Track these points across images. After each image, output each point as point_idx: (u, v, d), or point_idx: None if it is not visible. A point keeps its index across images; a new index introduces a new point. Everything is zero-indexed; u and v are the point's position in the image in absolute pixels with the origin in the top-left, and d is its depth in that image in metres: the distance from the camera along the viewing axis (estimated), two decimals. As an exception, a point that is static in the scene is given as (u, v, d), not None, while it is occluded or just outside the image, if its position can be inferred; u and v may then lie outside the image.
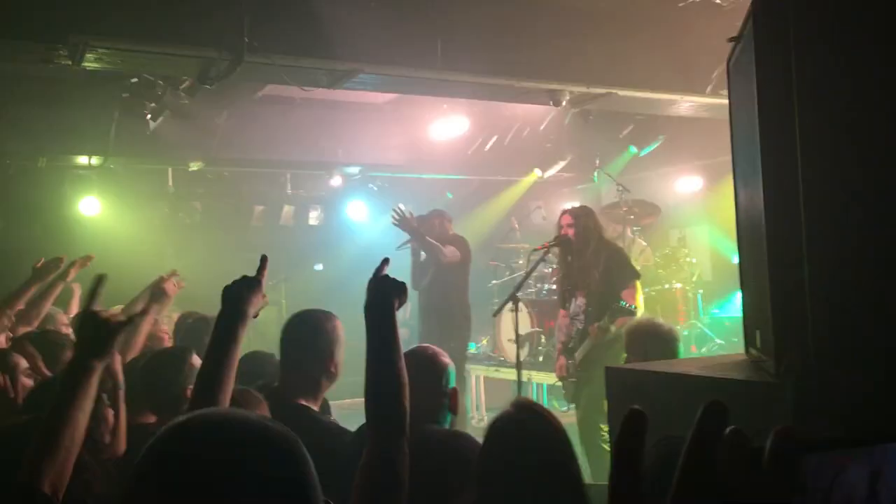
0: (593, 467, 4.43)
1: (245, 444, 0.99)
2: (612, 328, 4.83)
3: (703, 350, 7.28)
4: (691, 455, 0.71)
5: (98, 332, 1.81)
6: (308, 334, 2.61)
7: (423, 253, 6.43)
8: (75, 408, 1.76)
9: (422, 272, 6.39)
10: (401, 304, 1.77)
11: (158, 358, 2.93)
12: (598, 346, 4.91)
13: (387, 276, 1.82)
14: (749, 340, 2.24)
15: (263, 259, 2.03)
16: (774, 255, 1.79)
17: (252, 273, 2.03)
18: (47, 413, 1.77)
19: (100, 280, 1.89)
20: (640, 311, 5.29)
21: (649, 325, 3.65)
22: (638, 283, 5.23)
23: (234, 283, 1.95)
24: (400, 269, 6.32)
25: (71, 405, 1.75)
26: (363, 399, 1.72)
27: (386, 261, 1.84)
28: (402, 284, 1.79)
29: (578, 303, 5.18)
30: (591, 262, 5.09)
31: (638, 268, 7.38)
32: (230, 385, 1.82)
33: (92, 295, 1.87)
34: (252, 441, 0.99)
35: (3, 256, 4.57)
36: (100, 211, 7.90)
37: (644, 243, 8.10)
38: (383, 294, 1.74)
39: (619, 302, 4.84)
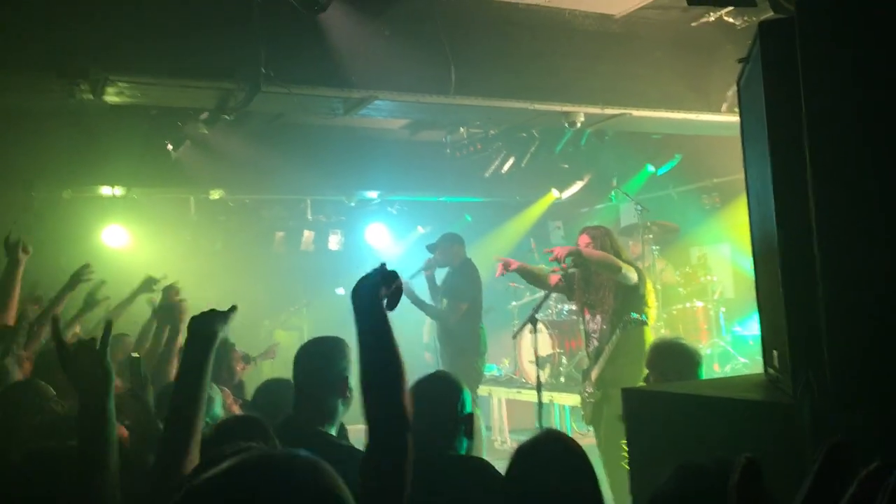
0: (615, 488, 4.38)
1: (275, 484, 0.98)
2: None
3: (727, 368, 7.19)
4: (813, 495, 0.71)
5: (96, 367, 1.85)
6: (320, 361, 2.63)
7: (436, 280, 6.46)
8: (101, 447, 1.80)
9: (439, 299, 6.43)
10: (391, 293, 1.67)
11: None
12: (613, 366, 4.89)
13: (376, 269, 1.74)
14: (767, 360, 2.22)
15: (232, 309, 1.98)
16: (788, 274, 1.78)
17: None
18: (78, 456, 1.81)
19: (109, 323, 1.95)
20: (654, 312, 5.27)
21: (674, 343, 3.63)
22: (650, 298, 5.18)
23: (203, 313, 1.93)
24: (419, 293, 6.34)
25: (96, 447, 1.80)
26: None
27: (383, 265, 1.77)
28: (391, 272, 1.70)
29: (596, 321, 5.17)
30: (606, 280, 5.08)
31: (658, 287, 7.37)
32: (202, 416, 1.83)
33: (104, 338, 1.91)
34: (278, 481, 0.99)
35: (29, 288, 4.66)
36: (124, 240, 8.01)
37: (665, 262, 8.05)
38: (367, 280, 1.67)
39: (631, 314, 4.83)
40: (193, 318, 1.92)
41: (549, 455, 1.87)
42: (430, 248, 6.50)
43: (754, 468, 0.92)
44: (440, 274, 6.50)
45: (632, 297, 5.03)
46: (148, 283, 4.84)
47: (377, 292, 1.64)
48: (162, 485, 1.69)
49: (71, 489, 1.78)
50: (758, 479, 0.93)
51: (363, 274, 1.69)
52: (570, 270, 5.25)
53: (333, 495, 1.02)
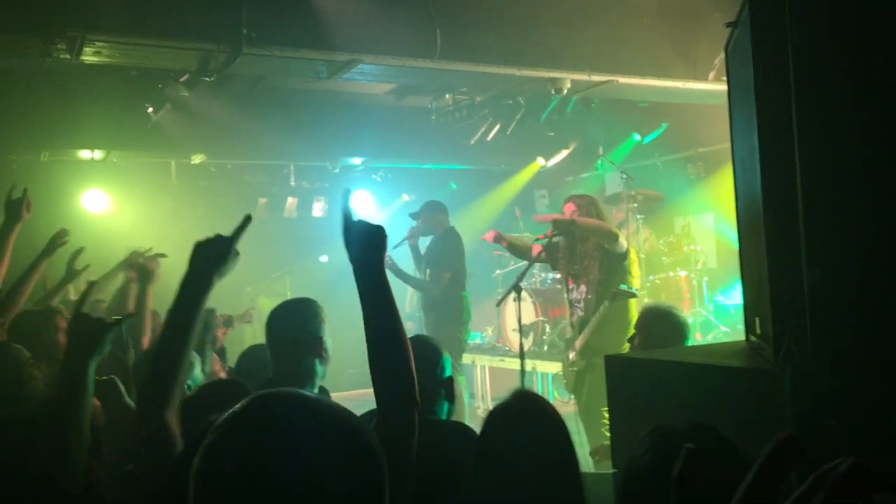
0: (596, 456, 4.43)
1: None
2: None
3: (709, 337, 7.26)
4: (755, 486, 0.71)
5: (90, 333, 1.83)
6: (292, 322, 2.60)
7: (420, 249, 6.43)
8: (76, 408, 1.78)
9: (423, 268, 6.41)
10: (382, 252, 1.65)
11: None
12: (599, 335, 4.91)
13: (363, 222, 1.68)
14: (749, 327, 2.23)
15: (246, 219, 1.86)
16: (772, 242, 1.78)
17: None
18: (50, 415, 1.79)
19: (91, 285, 1.91)
20: (637, 282, 5.31)
21: (666, 311, 3.65)
22: (634, 267, 5.20)
23: (204, 245, 1.79)
24: (402, 263, 6.32)
25: (71, 406, 1.78)
26: (366, 390, 1.66)
27: (347, 192, 1.70)
28: (379, 230, 1.65)
29: (580, 291, 5.18)
30: (592, 250, 5.08)
31: (642, 255, 7.39)
32: (188, 356, 1.75)
33: (83, 298, 1.88)
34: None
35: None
36: (104, 205, 7.92)
37: (648, 231, 8.07)
38: (368, 244, 1.62)
39: (619, 286, 4.85)
40: (196, 246, 1.78)
41: (520, 413, 1.87)
42: (413, 216, 6.46)
43: (696, 458, 0.92)
44: (423, 242, 6.47)
45: (617, 266, 5.04)
46: (133, 257, 4.77)
47: (382, 260, 1.61)
48: (142, 429, 1.65)
49: (41, 455, 1.77)
50: (699, 469, 0.93)
51: (347, 224, 1.65)
52: (555, 239, 5.24)
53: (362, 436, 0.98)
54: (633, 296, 4.97)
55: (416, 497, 1.50)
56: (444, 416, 2.37)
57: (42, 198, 7.49)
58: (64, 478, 1.77)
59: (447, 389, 2.37)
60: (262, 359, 3.33)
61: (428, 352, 2.41)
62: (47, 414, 1.84)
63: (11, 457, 1.82)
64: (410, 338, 2.42)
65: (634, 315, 5.03)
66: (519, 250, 5.76)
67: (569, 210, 5.23)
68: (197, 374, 2.93)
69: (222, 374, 3.69)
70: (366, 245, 1.64)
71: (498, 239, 5.50)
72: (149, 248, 4.33)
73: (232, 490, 0.89)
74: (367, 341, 1.58)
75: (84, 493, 1.84)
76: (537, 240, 5.44)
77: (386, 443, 1.37)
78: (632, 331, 3.93)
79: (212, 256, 1.77)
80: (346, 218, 1.67)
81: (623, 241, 5.03)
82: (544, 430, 1.83)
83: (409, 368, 1.56)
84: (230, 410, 0.96)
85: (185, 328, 1.70)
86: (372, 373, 1.57)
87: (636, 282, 5.21)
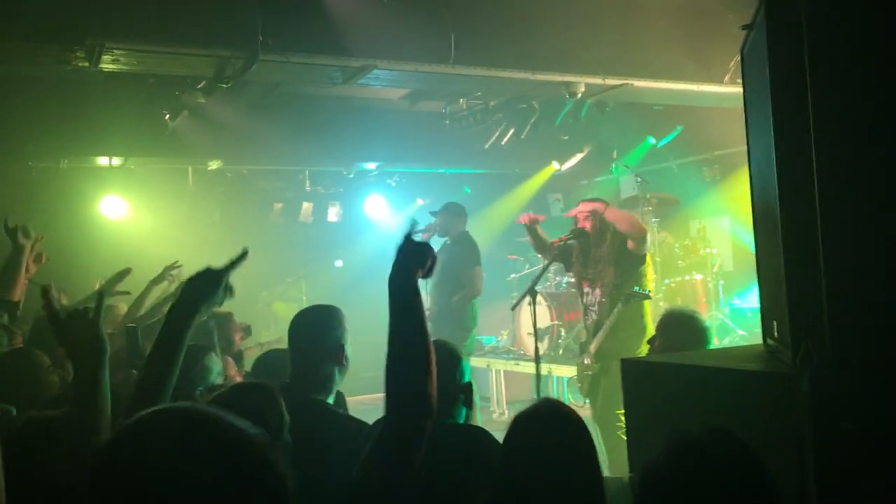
0: (612, 460, 4.41)
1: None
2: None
3: (725, 341, 7.22)
4: None
5: (91, 334, 1.84)
6: (315, 329, 2.62)
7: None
8: (90, 417, 1.79)
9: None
10: (426, 268, 1.64)
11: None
12: (613, 338, 4.90)
13: (410, 239, 1.69)
14: (766, 331, 2.22)
15: (243, 254, 1.93)
16: (789, 244, 1.77)
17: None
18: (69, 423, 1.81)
19: (101, 295, 1.94)
20: (652, 285, 5.30)
21: (689, 316, 3.63)
22: (648, 270, 5.18)
23: (195, 279, 1.88)
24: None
25: (85, 416, 1.79)
26: (380, 394, 1.67)
27: (413, 224, 1.71)
28: (424, 247, 1.65)
29: (594, 294, 5.17)
30: (607, 254, 5.07)
31: (657, 259, 7.36)
32: (171, 381, 1.80)
33: (97, 310, 1.89)
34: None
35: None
36: (122, 211, 7.99)
37: (664, 234, 8.04)
38: (401, 261, 1.62)
39: (633, 288, 4.84)
40: (186, 283, 1.88)
41: (546, 422, 1.87)
42: (434, 213, 6.49)
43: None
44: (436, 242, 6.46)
45: (633, 270, 5.02)
46: (166, 272, 4.82)
47: (411, 274, 1.61)
48: None
49: (65, 456, 1.78)
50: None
51: (395, 257, 1.64)
52: (570, 242, 5.24)
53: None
54: (647, 297, 4.96)
55: (436, 500, 1.51)
56: (461, 422, 2.37)
57: (61, 204, 7.62)
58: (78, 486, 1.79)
59: (466, 395, 2.37)
60: (277, 364, 3.35)
61: (447, 356, 2.41)
62: (67, 420, 1.85)
63: (38, 457, 1.84)
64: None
65: (649, 318, 5.02)
66: (541, 242, 5.71)
67: (582, 215, 5.22)
68: (214, 379, 2.95)
69: (238, 378, 3.71)
70: (399, 261, 1.63)
71: (533, 222, 5.47)
72: (181, 265, 4.38)
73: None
74: (389, 353, 1.58)
75: None
76: (552, 243, 5.45)
77: (389, 447, 1.37)
78: (648, 334, 3.91)
79: (202, 289, 1.85)
80: (407, 239, 1.66)
81: (649, 241, 5.03)
82: (569, 436, 1.83)
83: (431, 383, 1.56)
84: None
85: (169, 355, 1.78)
86: (388, 379, 1.57)
87: (650, 284, 5.19)
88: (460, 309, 6.16)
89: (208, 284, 1.86)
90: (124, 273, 4.56)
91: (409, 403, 1.54)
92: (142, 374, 1.83)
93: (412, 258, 1.65)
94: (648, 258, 5.29)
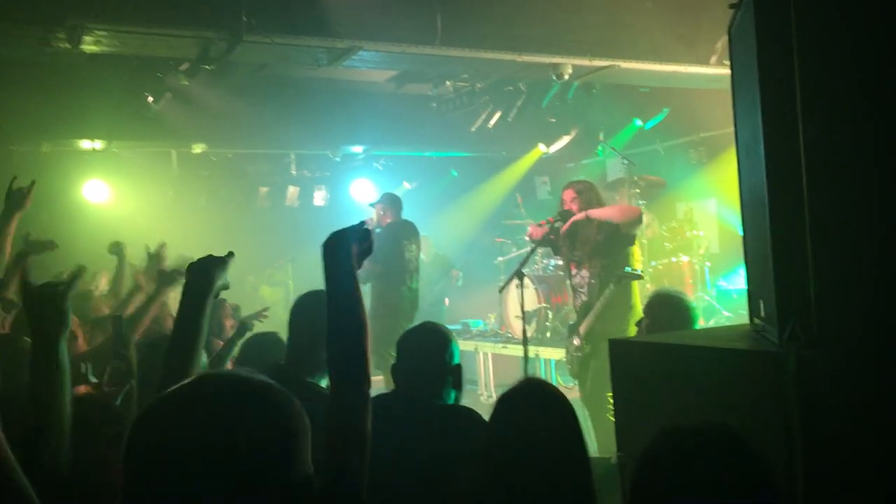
0: (600, 441, 4.44)
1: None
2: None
3: (711, 322, 7.26)
4: None
5: (56, 305, 1.83)
6: (315, 313, 2.61)
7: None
8: (50, 392, 1.78)
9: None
10: (360, 251, 1.66)
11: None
12: (603, 319, 4.91)
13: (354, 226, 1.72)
14: (753, 310, 2.23)
15: (230, 255, 1.96)
16: (776, 224, 1.77)
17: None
18: (29, 400, 1.80)
19: (77, 272, 1.92)
20: (639, 266, 5.32)
21: (675, 297, 3.67)
22: (635, 250, 5.21)
23: (201, 259, 1.90)
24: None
25: (44, 388, 1.78)
26: (375, 377, 1.67)
27: (362, 224, 1.73)
28: (364, 230, 1.68)
29: (582, 275, 5.18)
30: (594, 235, 5.08)
31: (644, 241, 7.38)
32: (199, 358, 1.81)
33: (70, 284, 1.88)
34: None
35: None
36: (105, 195, 7.92)
37: (651, 217, 8.06)
38: (339, 235, 1.64)
39: (624, 269, 4.85)
40: (191, 266, 1.87)
41: (529, 399, 1.88)
42: (373, 205, 6.56)
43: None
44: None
45: (621, 250, 5.04)
46: (152, 258, 4.77)
47: (350, 250, 1.61)
48: None
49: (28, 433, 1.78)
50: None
51: (338, 228, 1.67)
52: (556, 224, 5.24)
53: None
54: (640, 277, 4.98)
55: (425, 479, 1.51)
56: (451, 402, 2.38)
57: (43, 188, 7.50)
58: (46, 459, 1.78)
59: (455, 377, 2.37)
60: (266, 347, 3.34)
61: (435, 338, 2.41)
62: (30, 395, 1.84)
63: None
64: (420, 324, 2.42)
65: (637, 299, 5.04)
66: (555, 245, 5.70)
67: (569, 196, 5.23)
68: (204, 363, 2.94)
69: (228, 365, 3.70)
70: (340, 242, 1.64)
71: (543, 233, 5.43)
72: (163, 244, 4.35)
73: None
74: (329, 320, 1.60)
75: (71, 475, 1.84)
76: (540, 224, 5.44)
77: (338, 415, 1.40)
78: (636, 315, 3.93)
79: (208, 261, 1.87)
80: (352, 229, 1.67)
81: (645, 220, 5.06)
82: (553, 416, 1.84)
83: (365, 348, 1.56)
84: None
85: (193, 326, 1.82)
86: (329, 350, 1.58)
87: (637, 264, 5.22)
88: (390, 294, 6.22)
89: (214, 260, 1.88)
90: (49, 245, 4.46)
91: (349, 370, 1.54)
92: (168, 351, 1.83)
93: (354, 233, 1.65)
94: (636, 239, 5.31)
